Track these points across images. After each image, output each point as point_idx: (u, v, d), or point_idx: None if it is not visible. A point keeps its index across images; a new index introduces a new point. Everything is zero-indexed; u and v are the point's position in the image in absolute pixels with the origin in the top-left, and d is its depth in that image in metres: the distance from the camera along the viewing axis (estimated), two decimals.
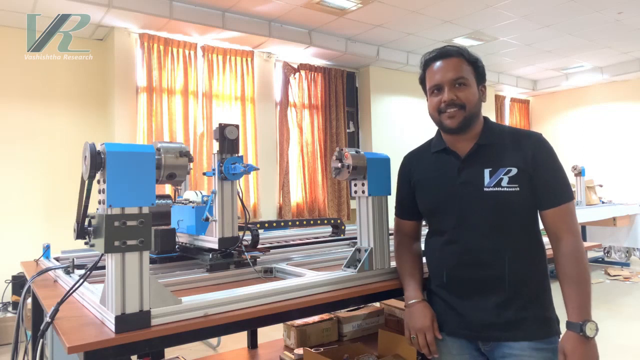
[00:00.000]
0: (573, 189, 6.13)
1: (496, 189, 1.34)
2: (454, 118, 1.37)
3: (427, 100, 1.48)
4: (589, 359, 1.24)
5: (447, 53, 1.41)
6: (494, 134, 1.42)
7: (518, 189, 1.33)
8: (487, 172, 1.36)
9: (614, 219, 6.09)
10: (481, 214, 1.36)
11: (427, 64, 1.46)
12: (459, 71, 1.38)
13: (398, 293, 1.61)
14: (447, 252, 1.43)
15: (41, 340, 1.30)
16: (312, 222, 2.62)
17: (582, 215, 5.62)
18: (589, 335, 1.23)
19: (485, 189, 1.35)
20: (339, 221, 2.46)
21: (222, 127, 1.73)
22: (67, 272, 1.72)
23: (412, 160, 1.58)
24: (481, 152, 1.40)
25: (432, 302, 1.47)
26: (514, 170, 1.34)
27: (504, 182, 1.34)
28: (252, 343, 2.59)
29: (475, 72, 1.41)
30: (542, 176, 1.34)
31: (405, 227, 1.61)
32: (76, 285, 1.27)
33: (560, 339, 1.31)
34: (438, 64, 1.41)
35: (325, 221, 2.56)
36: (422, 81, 1.49)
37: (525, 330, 1.32)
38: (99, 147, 1.15)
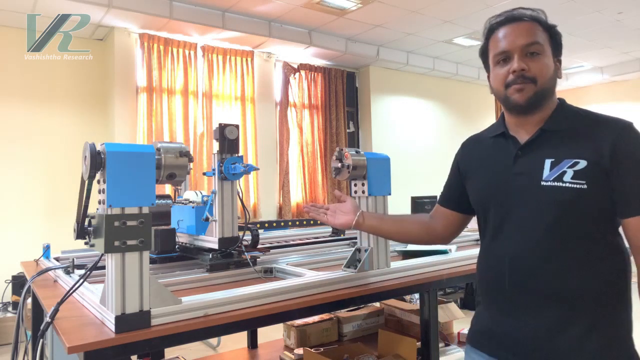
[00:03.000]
0: None
1: (556, 183, 1.09)
2: (523, 92, 1.13)
3: (490, 73, 1.23)
4: None
5: (519, 16, 1.16)
6: (565, 119, 1.16)
7: (585, 186, 1.06)
8: (548, 162, 1.12)
9: None
10: (535, 212, 1.12)
11: (492, 29, 1.20)
12: (532, 36, 1.13)
13: (398, 293, 1.61)
14: (491, 256, 1.22)
15: (41, 340, 1.30)
16: (312, 222, 2.62)
17: None
18: None
19: (543, 183, 1.11)
20: None
21: (222, 127, 1.73)
22: (67, 272, 1.72)
23: (468, 146, 1.37)
24: (545, 139, 1.15)
25: (477, 313, 1.29)
26: (583, 163, 1.07)
27: (567, 177, 1.08)
28: (252, 343, 2.59)
29: (551, 41, 1.16)
30: (625, 174, 1.06)
31: (435, 211, 1.43)
32: (76, 285, 1.27)
33: None
34: (506, 28, 1.16)
35: None
36: (484, 52, 1.24)
37: None
38: (99, 147, 1.15)
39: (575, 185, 1.07)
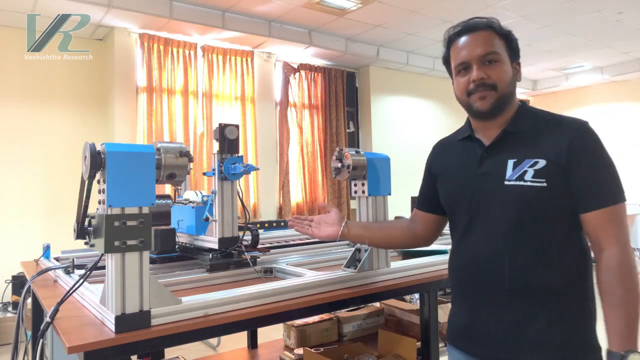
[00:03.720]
0: None
1: (518, 182, 1.15)
2: (485, 100, 1.19)
3: (453, 82, 1.29)
4: None
5: (474, 26, 1.23)
6: (526, 121, 1.22)
7: (545, 184, 1.12)
8: (511, 163, 1.18)
9: None
10: (499, 210, 1.18)
11: (451, 40, 1.27)
12: (489, 45, 1.19)
13: (398, 293, 1.61)
14: (461, 254, 1.27)
15: (41, 340, 1.30)
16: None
17: None
18: None
19: (506, 182, 1.16)
20: None
21: (222, 127, 1.73)
22: (67, 272, 1.72)
23: (438, 149, 1.44)
24: (508, 141, 1.21)
25: (452, 312, 1.34)
26: (542, 162, 1.14)
27: (528, 176, 1.14)
28: (252, 343, 2.59)
29: (507, 47, 1.23)
30: (581, 172, 1.12)
31: (414, 215, 1.48)
32: (76, 285, 1.27)
33: None
34: (464, 39, 1.23)
35: None
36: (447, 60, 1.31)
37: (550, 356, 1.12)
38: (99, 147, 1.15)
39: (536, 184, 1.13)
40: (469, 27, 1.23)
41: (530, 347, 1.13)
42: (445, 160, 1.37)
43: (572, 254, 1.17)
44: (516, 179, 1.16)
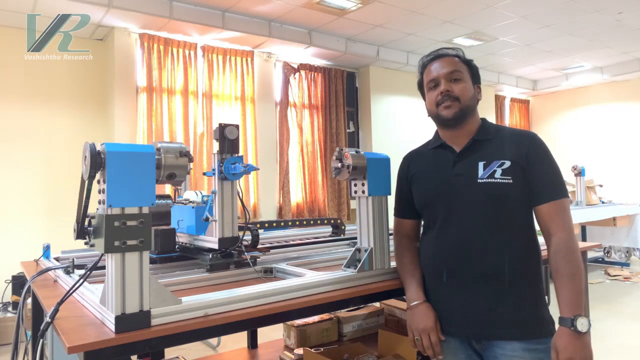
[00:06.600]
0: (573, 189, 6.18)
1: (489, 180, 1.37)
2: (450, 108, 1.42)
3: (425, 100, 1.53)
4: (581, 354, 1.21)
5: (444, 54, 1.49)
6: (490, 132, 1.47)
7: (511, 181, 1.35)
8: (481, 164, 1.40)
9: (614, 219, 6.08)
10: (473, 205, 1.38)
11: (424, 66, 1.53)
12: (454, 66, 1.45)
13: (398, 293, 1.61)
14: (438, 245, 1.44)
15: (41, 340, 1.30)
16: (312, 222, 2.62)
17: (582, 215, 5.63)
18: (580, 330, 1.21)
19: (479, 181, 1.38)
20: (339, 221, 2.46)
21: (222, 127, 1.73)
22: (67, 272, 1.72)
23: (410, 158, 1.62)
24: (476, 147, 1.44)
25: (431, 300, 1.47)
26: (508, 163, 1.37)
27: (497, 174, 1.36)
28: (252, 343, 2.59)
29: (470, 72, 1.48)
30: (536, 172, 1.37)
31: (404, 226, 1.61)
32: (76, 285, 1.27)
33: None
34: (434, 63, 1.48)
35: (325, 221, 2.56)
36: (421, 85, 1.55)
37: (517, 330, 1.32)
38: (99, 147, 1.15)
39: (504, 181, 1.36)
40: (438, 55, 1.50)
41: (503, 323, 1.33)
42: (420, 165, 1.56)
43: (531, 242, 1.40)
44: (487, 177, 1.38)
